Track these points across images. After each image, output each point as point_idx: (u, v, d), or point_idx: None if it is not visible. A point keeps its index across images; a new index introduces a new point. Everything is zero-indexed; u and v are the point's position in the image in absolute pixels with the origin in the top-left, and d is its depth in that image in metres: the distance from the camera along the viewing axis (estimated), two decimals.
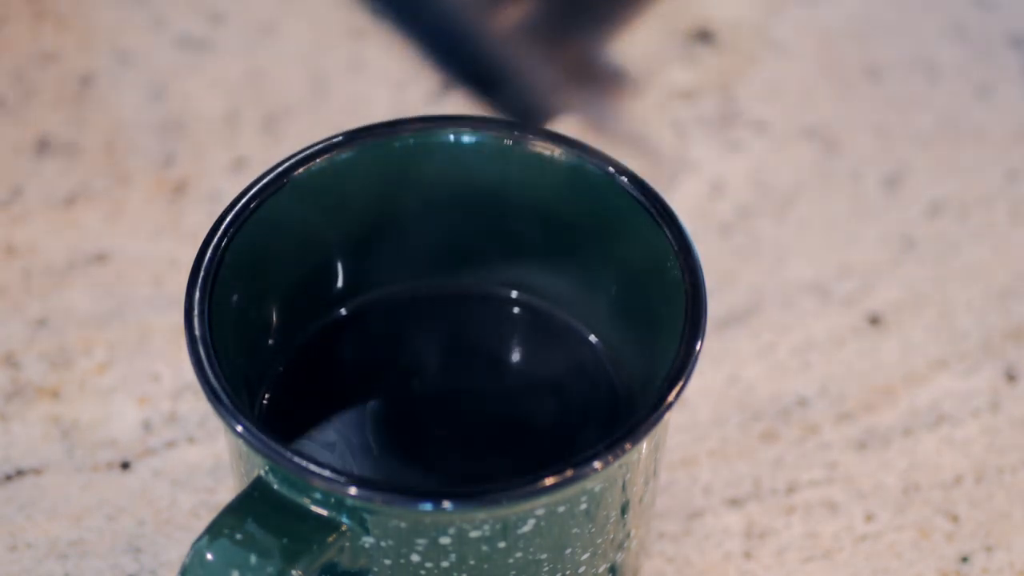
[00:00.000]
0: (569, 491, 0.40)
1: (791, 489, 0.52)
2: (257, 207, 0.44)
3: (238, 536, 0.40)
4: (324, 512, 0.40)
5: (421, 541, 0.41)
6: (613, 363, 0.47)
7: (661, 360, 0.43)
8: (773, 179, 0.60)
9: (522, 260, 0.48)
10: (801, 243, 0.58)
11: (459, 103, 0.62)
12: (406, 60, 0.63)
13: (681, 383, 0.41)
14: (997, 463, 0.53)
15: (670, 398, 0.41)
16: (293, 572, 0.40)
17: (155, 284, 0.56)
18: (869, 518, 0.51)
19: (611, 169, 0.45)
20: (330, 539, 0.40)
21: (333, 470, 0.39)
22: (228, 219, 0.44)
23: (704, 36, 0.65)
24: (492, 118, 0.46)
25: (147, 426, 0.53)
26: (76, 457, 0.52)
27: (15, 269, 0.57)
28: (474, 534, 0.41)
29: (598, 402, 0.47)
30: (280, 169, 0.45)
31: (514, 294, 0.48)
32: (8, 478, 0.52)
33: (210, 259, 0.43)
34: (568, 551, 0.42)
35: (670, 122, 0.62)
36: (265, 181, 0.45)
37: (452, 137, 0.46)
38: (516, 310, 0.48)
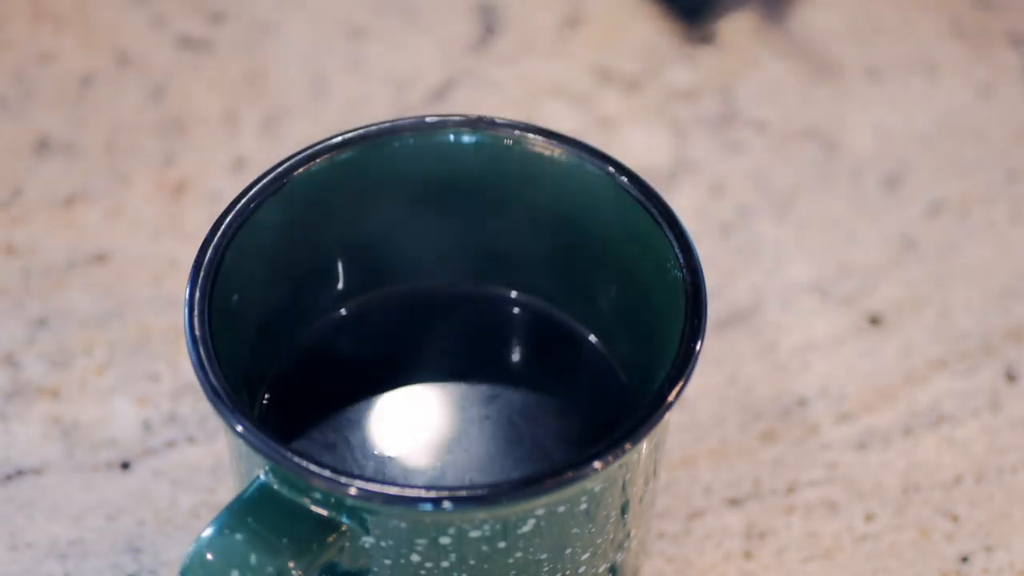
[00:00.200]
0: (569, 491, 0.40)
1: (791, 489, 0.52)
2: (257, 207, 0.44)
3: (238, 536, 0.40)
4: (324, 512, 0.40)
5: (421, 541, 0.41)
6: (613, 363, 0.47)
7: (661, 360, 0.43)
8: (773, 179, 0.60)
9: (522, 260, 0.48)
10: (801, 243, 0.58)
11: (459, 103, 0.62)
12: (406, 60, 0.64)
13: (681, 383, 0.41)
14: (997, 463, 0.53)
15: (670, 398, 0.41)
16: (293, 572, 0.40)
17: (155, 284, 0.56)
18: (869, 518, 0.51)
19: (611, 169, 0.45)
20: (330, 539, 0.40)
21: (333, 470, 0.39)
22: (228, 219, 0.44)
23: (704, 36, 0.65)
24: (492, 118, 0.46)
25: (147, 426, 0.53)
26: (76, 457, 0.52)
27: (15, 269, 0.57)
28: (474, 534, 0.41)
29: (598, 402, 0.47)
30: (280, 169, 0.45)
31: (514, 294, 0.48)
32: (8, 478, 0.52)
33: (210, 259, 0.43)
34: (568, 551, 0.42)
35: (670, 122, 0.62)
36: (265, 181, 0.45)
37: (452, 137, 0.46)
38: (516, 310, 0.48)
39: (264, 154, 0.60)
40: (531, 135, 0.46)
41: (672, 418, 0.52)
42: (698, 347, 0.42)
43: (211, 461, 0.52)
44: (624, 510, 0.43)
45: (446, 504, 0.39)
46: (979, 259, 0.58)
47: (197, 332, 0.42)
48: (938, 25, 0.65)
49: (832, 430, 0.53)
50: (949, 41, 0.64)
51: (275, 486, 0.40)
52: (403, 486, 0.39)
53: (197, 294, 0.42)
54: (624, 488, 0.42)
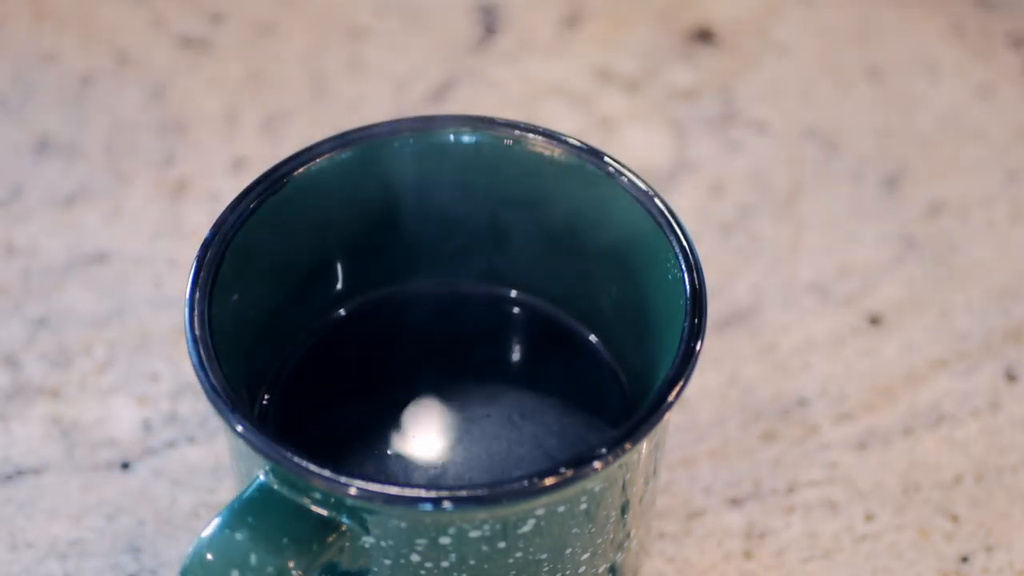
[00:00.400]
0: (569, 491, 0.40)
1: (791, 489, 0.52)
2: (257, 207, 0.44)
3: (238, 536, 0.40)
4: (324, 512, 0.40)
5: (421, 541, 0.41)
6: (613, 363, 0.47)
7: (661, 360, 0.43)
8: (773, 179, 0.60)
9: (522, 260, 0.48)
10: (801, 243, 0.58)
11: (459, 103, 0.62)
12: (406, 60, 0.64)
13: (681, 383, 0.41)
14: (997, 463, 0.53)
15: (670, 398, 0.41)
16: (293, 572, 0.40)
17: (155, 284, 0.56)
18: (869, 518, 0.51)
19: (611, 169, 0.45)
20: (330, 539, 0.40)
21: (333, 470, 0.39)
22: (228, 219, 0.44)
23: (704, 36, 0.65)
24: (492, 118, 0.46)
25: (147, 426, 0.53)
26: (76, 457, 0.52)
27: (15, 269, 0.57)
28: (474, 534, 0.41)
29: (598, 402, 0.47)
30: (280, 169, 0.45)
31: (514, 294, 0.48)
32: (8, 478, 0.52)
33: (210, 259, 0.43)
34: (568, 551, 0.42)
35: (670, 122, 0.62)
36: (265, 181, 0.45)
37: (452, 137, 0.46)
38: (516, 310, 0.48)
39: (264, 154, 0.60)
40: (531, 135, 0.46)
41: (672, 418, 0.52)
42: (698, 347, 0.42)
43: (211, 461, 0.52)
44: (624, 510, 0.43)
45: (446, 504, 0.39)
46: (979, 259, 0.58)
47: (197, 332, 0.42)
48: (938, 25, 0.65)
49: (832, 430, 0.53)
50: (949, 41, 0.64)
51: (275, 486, 0.40)
52: (403, 486, 0.39)
53: (197, 294, 0.42)
54: (624, 488, 0.42)
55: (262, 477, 0.41)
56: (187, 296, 0.42)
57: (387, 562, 0.41)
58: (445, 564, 0.41)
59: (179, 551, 0.50)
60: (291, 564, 0.40)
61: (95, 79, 0.62)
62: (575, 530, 0.42)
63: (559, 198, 0.46)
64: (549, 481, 0.39)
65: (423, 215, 0.47)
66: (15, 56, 0.63)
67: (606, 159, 0.45)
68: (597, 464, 0.40)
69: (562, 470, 0.39)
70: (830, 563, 0.50)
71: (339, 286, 0.48)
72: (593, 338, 0.48)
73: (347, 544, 0.41)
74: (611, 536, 0.43)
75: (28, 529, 0.51)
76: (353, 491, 0.39)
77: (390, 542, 0.41)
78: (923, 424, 0.54)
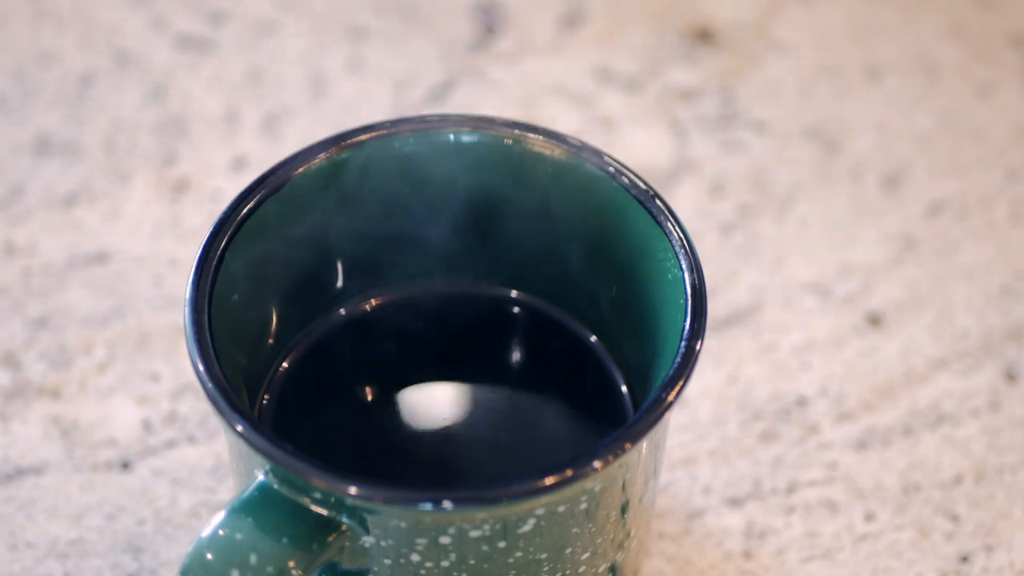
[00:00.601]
0: (569, 491, 0.40)
1: (791, 489, 0.52)
2: (257, 207, 0.44)
3: (238, 536, 0.40)
4: (324, 512, 0.40)
5: (421, 541, 0.41)
6: (613, 363, 0.47)
7: (661, 360, 0.43)
8: (773, 179, 0.60)
9: (522, 260, 0.48)
10: (801, 243, 0.58)
11: (459, 103, 0.62)
12: (406, 60, 0.64)
13: (681, 383, 0.41)
14: (997, 463, 0.53)
15: (670, 398, 0.41)
16: (293, 572, 0.40)
17: (155, 284, 0.56)
18: (869, 518, 0.51)
19: (611, 169, 0.45)
20: (330, 539, 0.40)
21: (333, 470, 0.39)
22: (228, 219, 0.44)
23: (704, 36, 0.65)
24: (492, 118, 0.46)
25: (147, 426, 0.53)
26: (76, 457, 0.52)
27: (15, 269, 0.57)
28: (474, 534, 0.41)
29: (598, 402, 0.47)
30: (280, 169, 0.45)
31: (514, 294, 0.48)
32: (8, 478, 0.52)
33: (210, 259, 0.43)
34: (568, 551, 0.42)
35: (670, 122, 0.62)
36: (265, 181, 0.45)
37: (452, 137, 0.46)
38: (516, 310, 0.48)
39: (264, 154, 0.60)
40: (531, 135, 0.46)
41: (672, 418, 0.52)
42: (698, 347, 0.42)
43: (211, 461, 0.52)
44: (624, 510, 0.43)
45: (446, 504, 0.39)
46: (979, 259, 0.58)
47: (197, 332, 0.42)
48: (938, 25, 0.65)
49: (832, 430, 0.53)
50: (949, 41, 0.64)
51: (275, 486, 0.40)
52: (403, 486, 0.39)
53: (197, 294, 0.42)
54: (624, 488, 0.42)
55: (262, 477, 0.41)
56: (187, 296, 0.42)
57: (387, 562, 0.41)
58: (445, 564, 0.41)
59: (179, 551, 0.50)
60: (291, 564, 0.40)
61: (95, 79, 0.62)
62: (575, 530, 0.42)
63: (559, 198, 0.46)
64: (549, 481, 0.39)
65: (423, 215, 0.47)
66: (15, 56, 0.63)
67: (606, 159, 0.45)
68: (597, 464, 0.40)
69: (562, 470, 0.39)
70: (830, 563, 0.50)
71: (339, 286, 0.48)
72: (593, 338, 0.47)
73: (347, 544, 0.41)
74: (611, 536, 0.43)
75: (28, 529, 0.51)
76: (353, 491, 0.39)
77: (390, 542, 0.41)
78: (923, 424, 0.54)
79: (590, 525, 0.42)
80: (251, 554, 0.40)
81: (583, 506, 0.41)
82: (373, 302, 0.48)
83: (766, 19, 0.65)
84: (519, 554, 0.42)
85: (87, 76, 0.63)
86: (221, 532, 0.40)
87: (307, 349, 0.47)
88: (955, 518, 0.52)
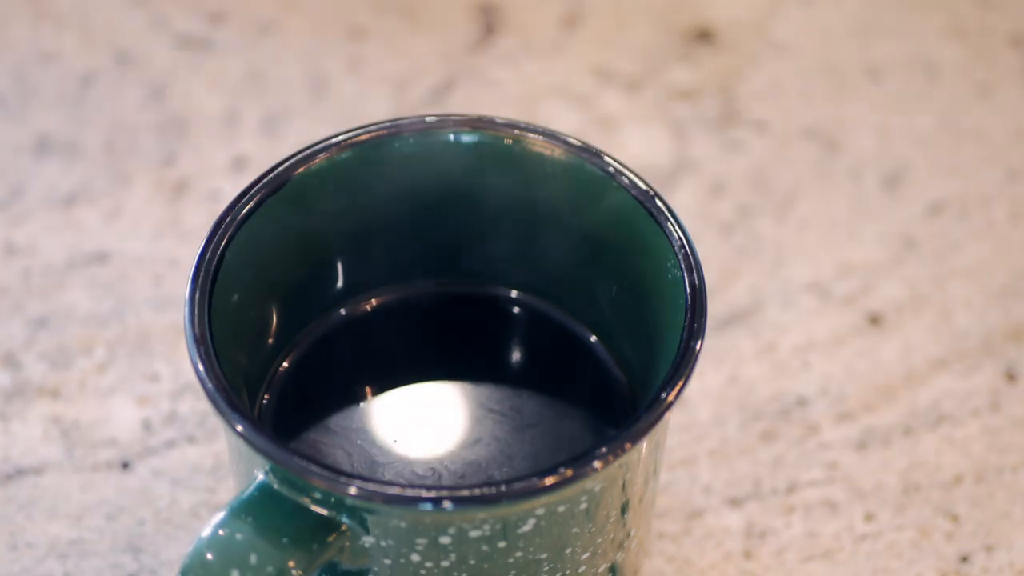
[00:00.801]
0: (569, 491, 0.40)
1: (791, 489, 0.52)
2: (257, 207, 0.44)
3: (238, 536, 0.40)
4: (324, 512, 0.40)
5: (421, 541, 0.41)
6: (613, 363, 0.47)
7: (661, 360, 0.43)
8: (773, 179, 0.60)
9: (522, 260, 0.48)
10: (801, 243, 0.58)
11: (459, 103, 0.62)
12: (406, 60, 0.64)
13: (681, 383, 0.41)
14: (997, 463, 0.53)
15: (670, 398, 0.41)
16: (293, 572, 0.40)
17: (155, 284, 0.56)
18: (869, 518, 0.51)
19: (611, 169, 0.45)
20: (330, 539, 0.40)
21: (333, 470, 0.39)
22: (228, 219, 0.44)
23: (704, 36, 0.65)
24: (492, 118, 0.46)
25: (147, 426, 0.53)
26: (76, 457, 0.52)
27: (15, 269, 0.57)
28: (474, 534, 0.41)
29: (598, 402, 0.47)
30: (280, 169, 0.45)
31: (514, 294, 0.48)
32: (8, 478, 0.52)
33: (210, 259, 0.43)
34: (568, 551, 0.42)
35: (670, 122, 0.62)
36: (265, 181, 0.45)
37: (452, 137, 0.46)
38: (516, 310, 0.48)
39: (264, 154, 0.60)
40: (531, 135, 0.46)
41: (672, 418, 0.52)
42: (698, 347, 0.42)
43: (211, 461, 0.52)
44: (624, 510, 0.43)
45: (446, 504, 0.39)
46: (979, 259, 0.58)
47: (197, 332, 0.42)
48: (938, 25, 0.65)
49: (832, 430, 0.53)
50: (949, 41, 0.64)
51: (275, 486, 0.40)
52: (403, 486, 0.39)
53: (197, 294, 0.42)
54: (624, 488, 0.42)
55: (262, 477, 0.41)
56: (187, 296, 0.42)
57: (387, 562, 0.41)
58: (445, 564, 0.41)
59: (179, 551, 0.50)
60: (291, 564, 0.40)
61: (95, 79, 0.62)
62: (575, 530, 0.42)
63: (559, 198, 0.46)
64: (549, 481, 0.39)
65: (423, 215, 0.47)
66: (15, 56, 0.63)
67: (606, 159, 0.45)
68: (597, 464, 0.40)
69: (562, 470, 0.39)
70: (830, 563, 0.50)
71: (339, 286, 0.48)
72: (593, 338, 0.47)
73: (347, 544, 0.41)
74: (611, 536, 0.43)
75: (28, 529, 0.51)
76: (353, 491, 0.39)
77: (390, 542, 0.41)
78: (923, 424, 0.54)
79: (590, 525, 0.42)
80: (251, 554, 0.40)
81: (583, 506, 0.41)
82: (373, 302, 0.48)
83: (766, 19, 0.65)
84: (519, 554, 0.42)
85: (87, 76, 0.63)
86: (221, 532, 0.40)
87: (307, 349, 0.47)
88: (955, 518, 0.52)
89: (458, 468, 0.45)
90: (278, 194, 0.44)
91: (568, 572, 0.43)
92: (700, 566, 0.50)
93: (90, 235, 0.58)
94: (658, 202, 0.44)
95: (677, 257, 0.43)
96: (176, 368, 0.54)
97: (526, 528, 0.41)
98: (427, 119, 0.46)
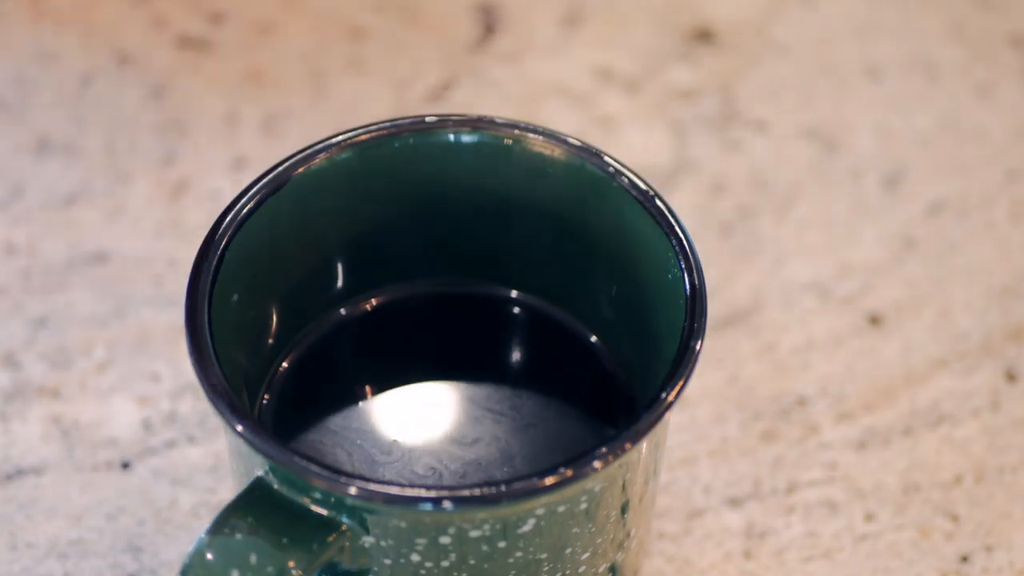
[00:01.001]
0: (569, 491, 0.40)
1: (791, 489, 0.52)
2: (257, 207, 0.44)
3: (238, 536, 0.40)
4: (324, 512, 0.40)
5: (421, 541, 0.41)
6: (613, 363, 0.47)
7: (661, 360, 0.43)
8: (773, 179, 0.60)
9: (522, 260, 0.48)
10: (801, 243, 0.58)
11: (459, 103, 0.62)
12: (406, 60, 0.64)
13: (681, 383, 0.41)
14: (997, 463, 0.53)
15: (670, 398, 0.41)
16: (293, 572, 0.40)
17: (155, 284, 0.56)
18: (869, 518, 0.51)
19: (611, 169, 0.45)
20: (330, 539, 0.40)
21: (333, 470, 0.39)
22: (228, 219, 0.44)
23: (704, 36, 0.65)
24: (492, 118, 0.46)
25: (147, 426, 0.53)
26: (76, 457, 0.52)
27: (15, 269, 0.57)
28: (474, 534, 0.41)
29: (598, 402, 0.47)
30: (280, 169, 0.45)
31: (514, 294, 0.48)
32: (8, 478, 0.52)
33: (210, 259, 0.43)
34: (568, 551, 0.42)
35: (670, 122, 0.62)
36: (265, 181, 0.45)
37: (452, 137, 0.46)
38: (516, 310, 0.48)
39: (264, 154, 0.60)
40: (531, 135, 0.46)
41: (672, 418, 0.52)
42: (698, 347, 0.42)
43: (211, 461, 0.52)
44: (624, 510, 0.43)
45: (446, 504, 0.39)
46: (979, 259, 0.58)
47: (197, 332, 0.42)
48: (938, 25, 0.65)
49: (832, 430, 0.53)
50: (949, 41, 0.64)
51: (275, 486, 0.40)
52: (403, 486, 0.39)
53: (197, 294, 0.42)
54: (624, 488, 0.42)
55: (262, 477, 0.41)
56: (187, 296, 0.42)
57: (387, 562, 0.41)
58: (445, 564, 0.41)
59: (179, 551, 0.50)
60: (291, 564, 0.40)
61: (95, 79, 0.62)
62: (575, 530, 0.42)
63: (559, 198, 0.46)
64: (549, 481, 0.39)
65: (423, 215, 0.47)
66: (15, 56, 0.63)
67: (606, 159, 0.45)
68: (597, 464, 0.40)
69: (562, 470, 0.39)
70: (830, 563, 0.50)
71: (339, 286, 0.48)
72: (593, 338, 0.47)
73: (347, 544, 0.41)
74: (611, 536, 0.43)
75: (28, 529, 0.51)
76: (353, 491, 0.39)
77: (390, 542, 0.41)
78: (923, 424, 0.54)
79: (590, 525, 0.42)
80: (251, 554, 0.40)
81: (583, 506, 0.41)
82: (373, 302, 0.48)
83: (766, 19, 0.65)
84: (519, 554, 0.42)
85: (87, 76, 0.63)
86: (221, 532, 0.40)
87: (307, 349, 0.47)
88: (955, 518, 0.52)
89: (458, 468, 0.45)
90: (278, 194, 0.44)
91: (568, 572, 0.43)
92: (700, 566, 0.50)
93: (90, 235, 0.58)
94: (658, 202, 0.44)
95: (677, 257, 0.43)
96: (176, 368, 0.54)
97: (526, 528, 0.41)
98: (427, 119, 0.46)
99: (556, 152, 0.45)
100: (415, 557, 0.41)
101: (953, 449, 0.53)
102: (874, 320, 0.56)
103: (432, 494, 0.39)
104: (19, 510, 0.51)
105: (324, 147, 0.45)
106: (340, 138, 0.45)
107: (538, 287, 0.48)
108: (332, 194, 0.46)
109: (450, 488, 0.39)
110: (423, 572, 0.41)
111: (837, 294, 0.57)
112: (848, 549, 0.51)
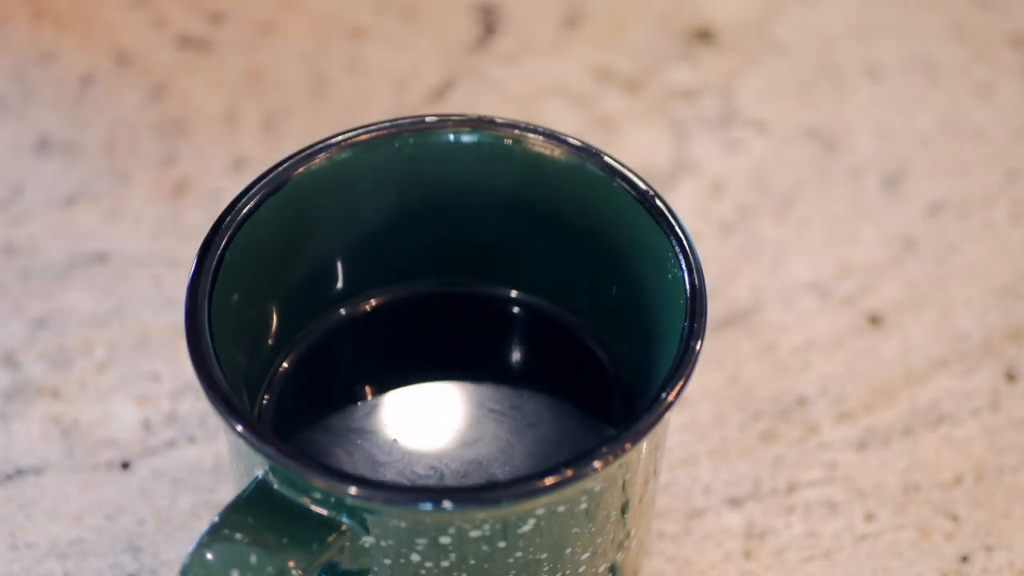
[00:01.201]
0: (569, 491, 0.40)
1: (791, 489, 0.52)
2: (257, 207, 0.44)
3: (238, 536, 0.40)
4: (324, 512, 0.40)
5: (421, 541, 0.41)
6: (613, 363, 0.47)
7: (661, 360, 0.43)
8: (773, 179, 0.60)
9: (522, 260, 0.48)
10: (801, 243, 0.58)
11: (459, 103, 0.62)
12: (406, 60, 0.64)
13: (681, 383, 0.41)
14: (997, 463, 0.53)
15: (670, 398, 0.41)
16: (293, 572, 0.40)
17: (155, 284, 0.56)
18: (869, 518, 0.51)
19: (611, 169, 0.45)
20: (330, 539, 0.40)
21: (333, 470, 0.39)
22: (228, 219, 0.44)
23: (704, 36, 0.65)
24: (492, 118, 0.46)
25: (147, 426, 0.53)
26: (76, 457, 0.52)
27: (15, 269, 0.57)
28: (474, 534, 0.41)
29: (598, 402, 0.47)
30: (280, 169, 0.45)
31: (514, 294, 0.48)
32: (8, 478, 0.52)
33: (210, 259, 0.43)
34: (568, 551, 0.42)
35: (670, 122, 0.62)
36: (265, 181, 0.45)
37: (452, 137, 0.46)
38: (516, 310, 0.48)
39: (264, 154, 0.60)
40: (531, 135, 0.46)
41: (672, 418, 0.52)
42: (698, 347, 0.42)
43: (211, 461, 0.52)
44: (624, 510, 0.43)
45: (446, 504, 0.39)
46: (979, 259, 0.58)
47: (197, 332, 0.42)
48: (938, 25, 0.65)
49: (832, 430, 0.53)
50: (949, 41, 0.64)
51: (275, 486, 0.40)
52: (403, 486, 0.39)
53: (197, 294, 0.42)
54: (624, 488, 0.42)
55: (262, 477, 0.41)
56: (187, 296, 0.42)
57: (387, 562, 0.41)
58: (445, 564, 0.41)
59: (179, 551, 0.50)
60: (291, 564, 0.40)
61: (95, 79, 0.62)
62: (575, 530, 0.42)
63: (559, 198, 0.46)
64: (549, 481, 0.39)
65: (423, 215, 0.47)
66: (15, 56, 0.63)
67: (606, 159, 0.45)
68: (597, 464, 0.40)
69: (562, 470, 0.39)
70: (830, 563, 0.50)
71: (339, 286, 0.48)
72: (593, 338, 0.48)
73: (347, 544, 0.41)
74: (611, 536, 0.43)
75: (28, 529, 0.51)
76: (353, 491, 0.39)
77: (390, 542, 0.41)
78: (923, 424, 0.54)
79: (590, 525, 0.42)
80: (251, 554, 0.40)
81: (583, 506, 0.41)
82: (373, 302, 0.48)
83: (766, 19, 0.65)
84: (519, 554, 0.42)
85: (87, 76, 0.63)
86: (221, 532, 0.40)
87: (307, 349, 0.47)
88: (955, 518, 0.52)
89: (459, 467, 0.45)
90: (278, 194, 0.44)
91: (568, 572, 0.43)
92: (700, 566, 0.50)
93: (90, 235, 0.58)
94: (658, 202, 0.44)
95: (677, 257, 0.43)
96: (176, 368, 0.54)
97: (526, 528, 0.41)
98: (427, 119, 0.46)
99: (556, 152, 0.45)
100: (415, 557, 0.41)
101: (953, 449, 0.53)
102: (874, 320, 0.56)
103: (432, 494, 0.39)
104: (19, 510, 0.51)
105: (324, 147, 0.45)
106: (340, 138, 0.45)
107: (538, 287, 0.48)
108: (332, 194, 0.46)
109: (450, 488, 0.39)
110: (423, 572, 0.41)
111: (837, 294, 0.57)
112: (848, 549, 0.51)
